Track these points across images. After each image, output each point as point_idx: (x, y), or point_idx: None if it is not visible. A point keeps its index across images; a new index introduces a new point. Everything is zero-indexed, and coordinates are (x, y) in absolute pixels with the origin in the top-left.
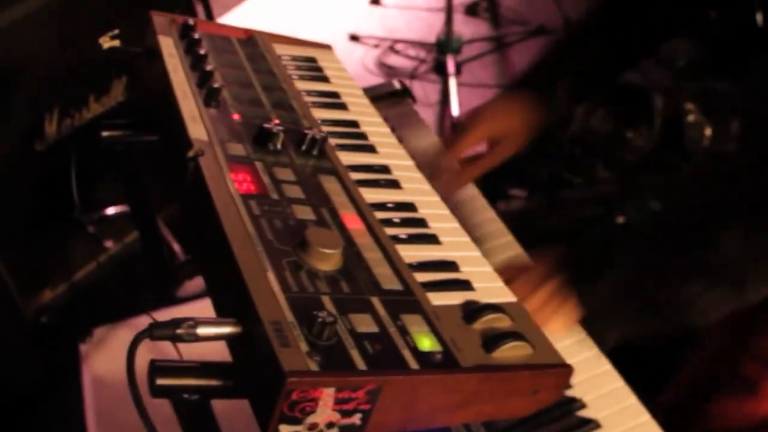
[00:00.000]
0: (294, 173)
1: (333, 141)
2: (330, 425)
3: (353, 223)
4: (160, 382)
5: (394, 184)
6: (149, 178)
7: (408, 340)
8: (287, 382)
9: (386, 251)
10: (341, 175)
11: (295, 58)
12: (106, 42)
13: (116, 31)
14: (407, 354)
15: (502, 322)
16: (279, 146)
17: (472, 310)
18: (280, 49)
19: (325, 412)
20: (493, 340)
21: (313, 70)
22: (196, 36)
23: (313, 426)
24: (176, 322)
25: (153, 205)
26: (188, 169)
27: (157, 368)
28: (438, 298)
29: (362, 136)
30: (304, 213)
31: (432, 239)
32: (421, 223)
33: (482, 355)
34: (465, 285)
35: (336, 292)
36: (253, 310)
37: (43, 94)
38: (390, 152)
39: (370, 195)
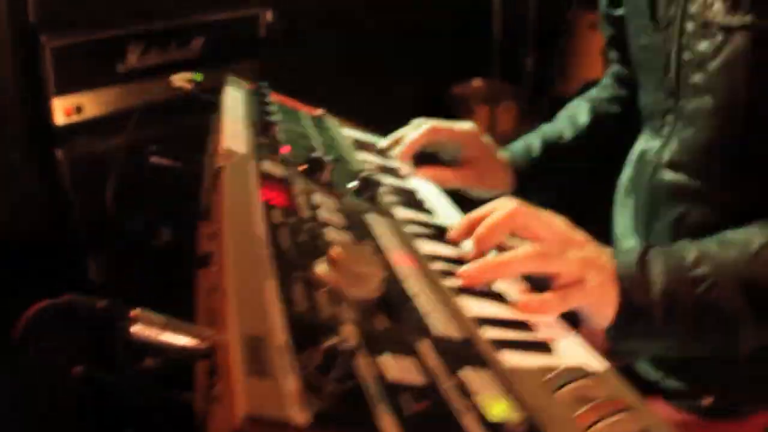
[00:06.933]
0: (337, 204)
1: (388, 198)
2: None
3: (403, 260)
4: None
5: (455, 245)
6: None
7: (471, 403)
8: (240, 429)
9: (443, 296)
10: (393, 220)
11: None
12: (178, 80)
13: (191, 75)
14: (470, 422)
15: (595, 389)
16: (325, 179)
17: (557, 376)
18: (349, 131)
19: None
20: (592, 412)
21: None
22: (267, 98)
23: None
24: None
25: None
26: (212, 177)
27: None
28: (510, 359)
29: (420, 200)
30: (339, 237)
31: (499, 297)
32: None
33: None
34: (541, 347)
35: (365, 324)
36: (225, 320)
37: None
38: (450, 216)
39: (427, 247)
